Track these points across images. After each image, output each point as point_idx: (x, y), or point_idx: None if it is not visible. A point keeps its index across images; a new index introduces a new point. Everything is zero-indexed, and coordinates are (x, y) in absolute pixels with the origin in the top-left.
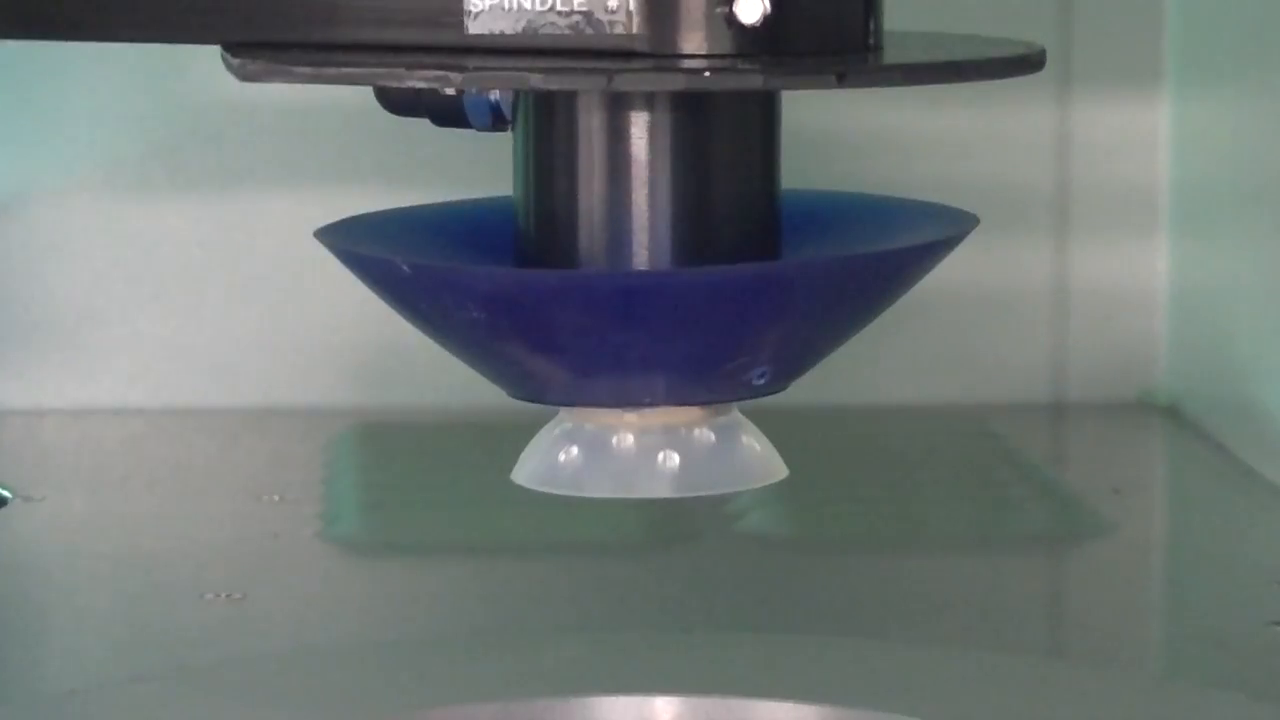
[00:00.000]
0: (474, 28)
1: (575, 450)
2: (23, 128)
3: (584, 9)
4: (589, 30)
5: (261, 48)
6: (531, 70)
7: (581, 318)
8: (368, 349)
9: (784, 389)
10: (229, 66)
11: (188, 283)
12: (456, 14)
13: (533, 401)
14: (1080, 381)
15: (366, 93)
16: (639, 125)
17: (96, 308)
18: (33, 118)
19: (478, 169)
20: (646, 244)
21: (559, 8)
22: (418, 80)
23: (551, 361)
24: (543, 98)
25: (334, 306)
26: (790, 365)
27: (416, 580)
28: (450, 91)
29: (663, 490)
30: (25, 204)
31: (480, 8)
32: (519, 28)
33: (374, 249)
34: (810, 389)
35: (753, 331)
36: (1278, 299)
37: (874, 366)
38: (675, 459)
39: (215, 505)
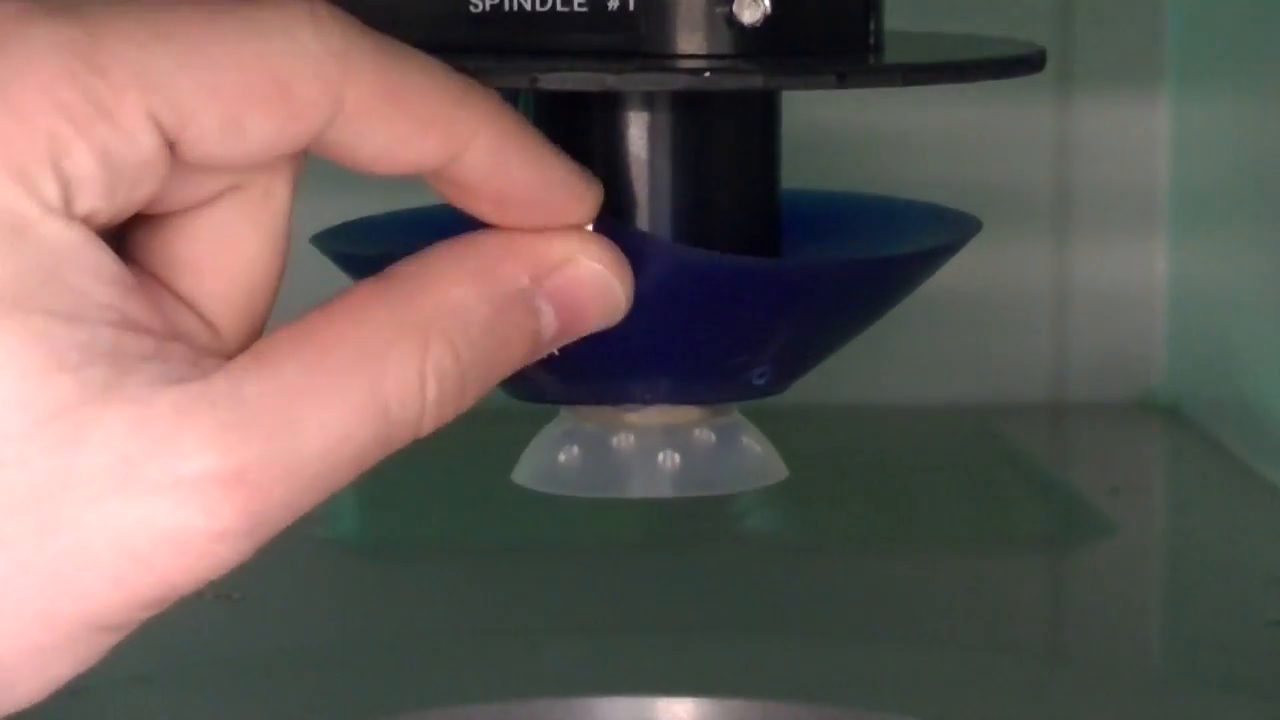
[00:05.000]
0: (474, 27)
1: (575, 450)
2: None
3: (584, 9)
4: (589, 30)
5: None
6: (531, 70)
7: None
8: None
9: (784, 390)
10: None
11: None
12: (457, 13)
13: (532, 401)
14: (1080, 381)
15: None
16: (638, 125)
17: None
18: None
19: None
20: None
21: (559, 8)
22: None
23: (551, 360)
24: (543, 97)
25: None
26: (790, 367)
27: (416, 580)
28: None
29: (663, 490)
30: None
31: (481, 7)
32: (519, 27)
33: (371, 250)
34: (810, 389)
35: (754, 329)
36: (1278, 299)
37: (874, 366)
38: (676, 459)
39: None
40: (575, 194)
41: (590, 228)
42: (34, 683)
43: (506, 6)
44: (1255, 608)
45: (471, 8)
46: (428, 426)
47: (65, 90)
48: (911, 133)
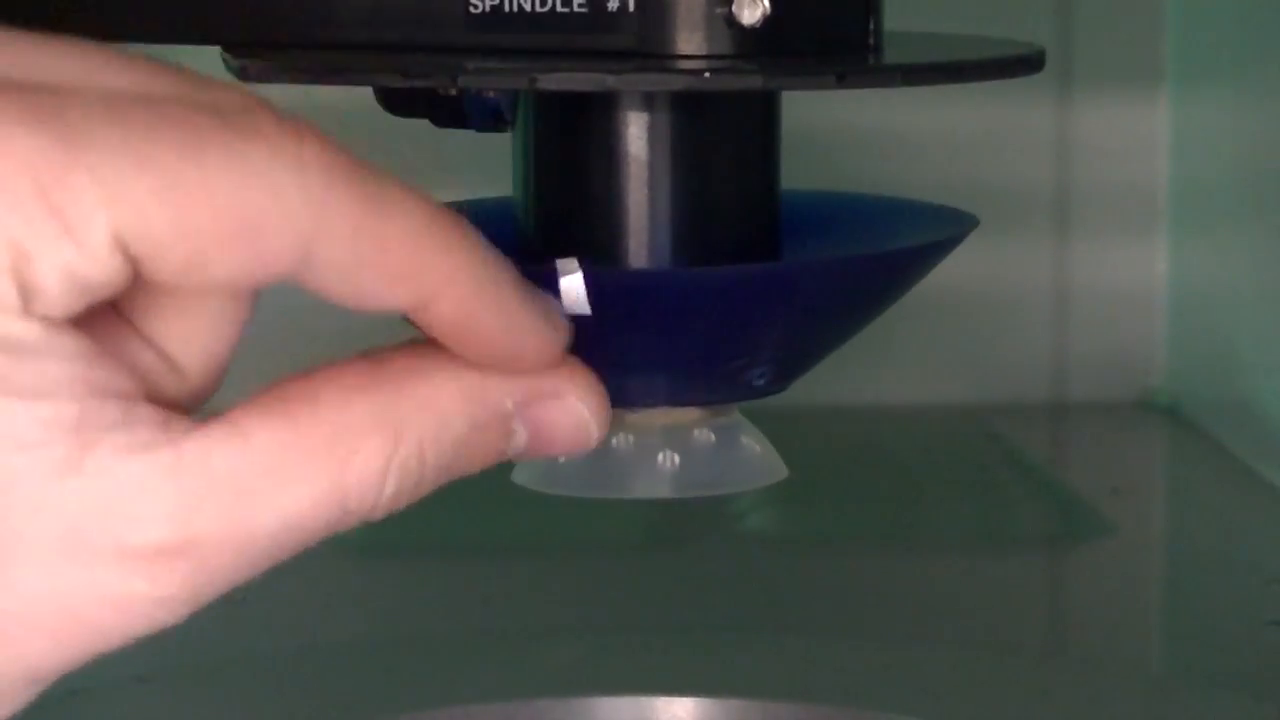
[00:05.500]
0: (474, 28)
1: None
2: None
3: (584, 9)
4: (589, 30)
5: (262, 49)
6: (531, 70)
7: (581, 318)
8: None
9: (784, 389)
10: (229, 68)
11: None
12: (457, 14)
13: None
14: (1080, 381)
15: (366, 93)
16: (639, 125)
17: None
18: None
19: (478, 169)
20: (646, 244)
21: (559, 8)
22: (418, 80)
23: None
24: (543, 98)
25: (333, 307)
26: (790, 366)
27: (416, 580)
28: (451, 91)
29: (663, 490)
30: None
31: (481, 8)
32: (519, 28)
33: None
34: (810, 389)
35: (753, 331)
36: (1278, 299)
37: (874, 366)
38: (676, 459)
39: None
40: (540, 341)
41: (580, 272)
42: None
43: (506, 7)
44: (1255, 608)
45: (471, 9)
46: (376, 517)
47: (32, 204)
48: (911, 133)
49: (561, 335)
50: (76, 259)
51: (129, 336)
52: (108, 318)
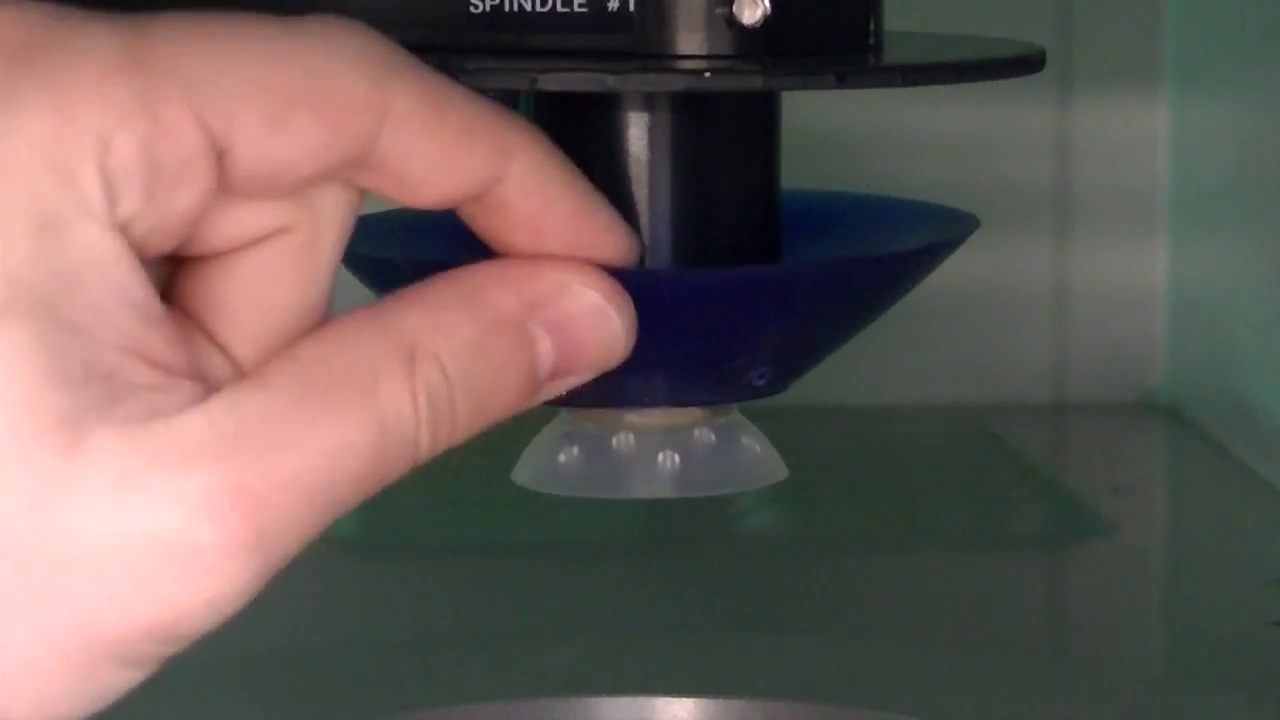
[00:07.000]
0: (474, 28)
1: (575, 450)
2: None
3: (584, 9)
4: (589, 30)
5: None
6: (531, 70)
7: None
8: None
9: (784, 390)
10: None
11: None
12: (457, 14)
13: None
14: (1080, 382)
15: None
16: (638, 126)
17: None
18: None
19: None
20: (646, 245)
21: (559, 8)
22: None
23: None
24: (543, 98)
25: (333, 307)
26: (790, 367)
27: (416, 580)
28: None
29: (663, 490)
30: None
31: (481, 8)
32: (519, 28)
33: (373, 249)
34: (810, 389)
35: (753, 334)
36: (1278, 299)
37: (874, 366)
38: (676, 459)
39: None
40: (613, 229)
41: None
42: (32, 709)
43: (506, 7)
44: (1255, 608)
45: (472, 9)
46: (424, 445)
47: (112, 86)
48: (911, 133)
49: (633, 241)
50: (155, 133)
51: (195, 337)
52: (180, 320)
